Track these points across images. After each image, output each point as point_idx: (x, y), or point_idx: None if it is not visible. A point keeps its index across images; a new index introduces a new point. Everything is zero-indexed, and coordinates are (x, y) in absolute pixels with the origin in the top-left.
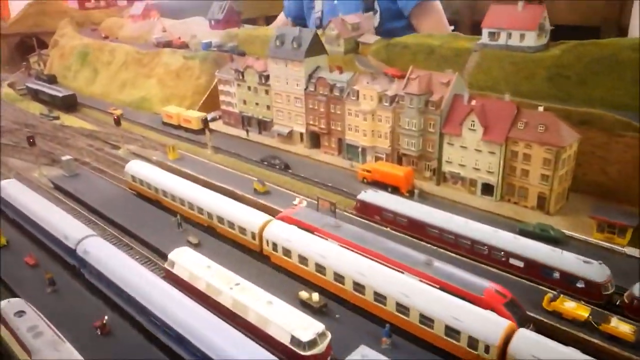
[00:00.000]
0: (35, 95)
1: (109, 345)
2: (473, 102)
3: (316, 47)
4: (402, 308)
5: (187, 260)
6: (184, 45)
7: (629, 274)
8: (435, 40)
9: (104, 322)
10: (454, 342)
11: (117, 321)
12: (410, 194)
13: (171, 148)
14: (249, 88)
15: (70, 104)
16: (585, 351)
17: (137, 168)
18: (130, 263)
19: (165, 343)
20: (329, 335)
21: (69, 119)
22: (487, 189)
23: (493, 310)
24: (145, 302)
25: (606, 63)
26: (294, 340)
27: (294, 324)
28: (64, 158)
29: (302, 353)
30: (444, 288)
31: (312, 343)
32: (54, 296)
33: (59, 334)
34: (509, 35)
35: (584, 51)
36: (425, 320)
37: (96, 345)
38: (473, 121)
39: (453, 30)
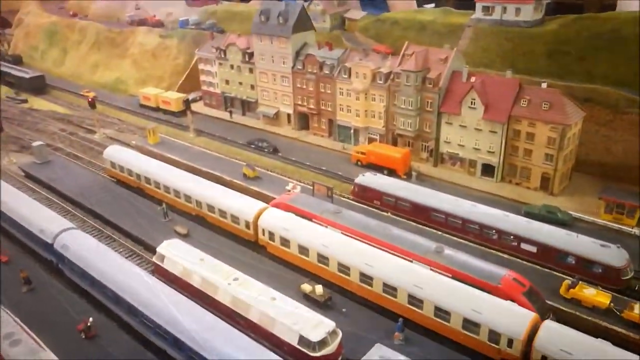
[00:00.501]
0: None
1: (96, 350)
2: (473, 79)
3: (303, 23)
4: (415, 300)
5: (178, 253)
6: (160, 24)
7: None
8: (426, 15)
9: (89, 324)
10: (473, 336)
11: (103, 323)
12: (407, 177)
13: (151, 131)
14: (232, 67)
15: (38, 86)
16: (609, 341)
17: (117, 153)
18: (114, 257)
19: (159, 346)
20: (340, 334)
21: (37, 102)
22: (488, 170)
23: (512, 300)
24: (134, 301)
25: (607, 38)
26: (302, 340)
27: (301, 322)
28: (34, 144)
29: (312, 354)
30: (458, 277)
31: (323, 343)
32: (31, 297)
33: (39, 341)
34: (504, 10)
35: (583, 26)
36: (441, 312)
37: (81, 350)
38: (473, 99)
39: (435, 7)
